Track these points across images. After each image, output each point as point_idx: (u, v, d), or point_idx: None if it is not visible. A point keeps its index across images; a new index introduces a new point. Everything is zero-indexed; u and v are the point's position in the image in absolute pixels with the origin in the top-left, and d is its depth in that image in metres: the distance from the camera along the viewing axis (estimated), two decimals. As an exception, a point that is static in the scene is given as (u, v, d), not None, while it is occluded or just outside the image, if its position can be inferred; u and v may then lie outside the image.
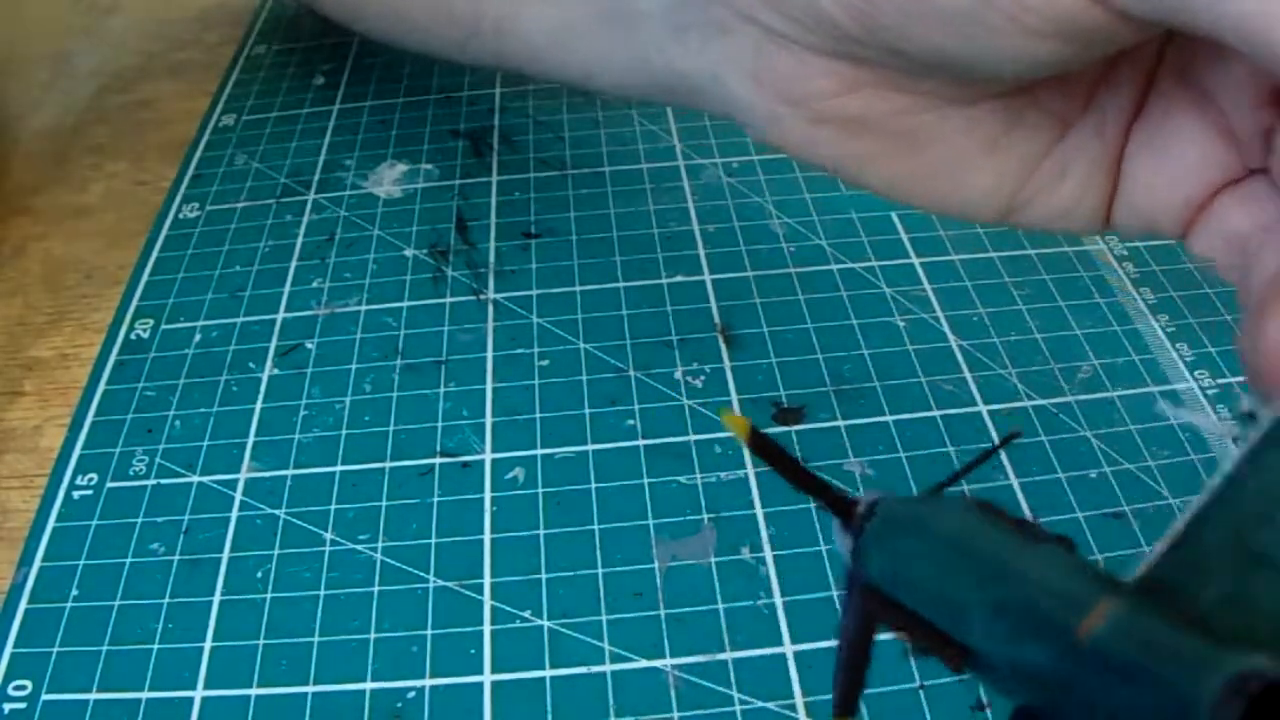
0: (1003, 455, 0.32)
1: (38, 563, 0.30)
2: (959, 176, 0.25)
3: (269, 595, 0.29)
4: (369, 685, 0.27)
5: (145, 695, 0.27)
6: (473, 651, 0.28)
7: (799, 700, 0.26)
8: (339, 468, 0.33)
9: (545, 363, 0.35)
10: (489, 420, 0.34)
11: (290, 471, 0.33)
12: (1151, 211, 0.24)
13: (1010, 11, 0.20)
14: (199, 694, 0.27)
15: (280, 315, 0.38)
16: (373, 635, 0.28)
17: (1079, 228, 0.25)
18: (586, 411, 0.34)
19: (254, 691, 0.27)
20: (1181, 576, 0.15)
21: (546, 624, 0.28)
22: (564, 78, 0.32)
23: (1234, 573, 0.15)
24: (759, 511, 0.31)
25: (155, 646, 0.28)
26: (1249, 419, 0.17)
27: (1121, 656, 0.13)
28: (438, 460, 0.33)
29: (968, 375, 0.34)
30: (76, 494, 0.32)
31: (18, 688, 0.27)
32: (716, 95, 0.26)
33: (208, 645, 0.28)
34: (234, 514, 0.31)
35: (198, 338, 0.37)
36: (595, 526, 0.31)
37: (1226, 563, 0.15)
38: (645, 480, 0.31)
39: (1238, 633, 0.14)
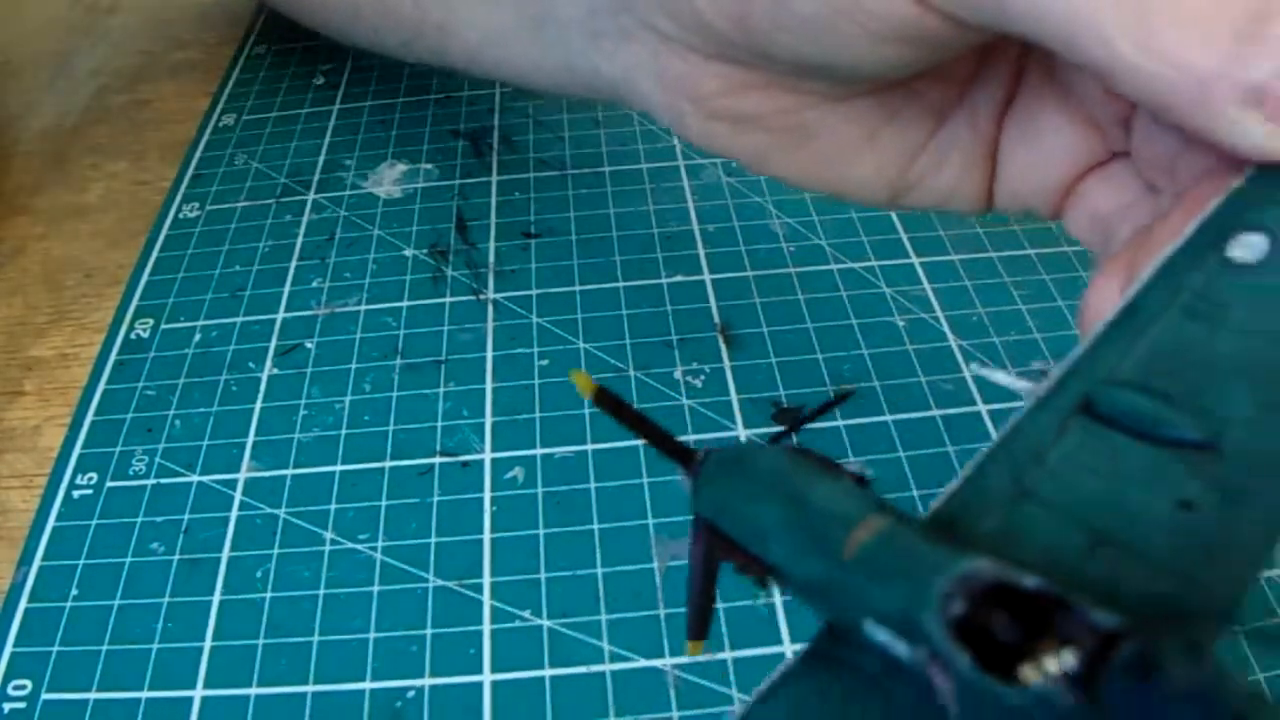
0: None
1: (37, 562, 0.30)
2: (845, 166, 0.27)
3: (269, 595, 0.29)
4: (368, 685, 0.27)
5: (145, 695, 0.27)
6: (472, 651, 0.28)
7: (798, 700, 0.26)
8: (339, 467, 0.33)
9: (545, 362, 0.35)
10: (489, 420, 0.34)
11: (290, 471, 0.33)
12: (1026, 195, 0.26)
13: (858, 20, 0.22)
14: (199, 693, 0.27)
15: (280, 315, 0.38)
16: (372, 635, 0.28)
17: (964, 209, 0.27)
18: (586, 411, 0.34)
19: (254, 691, 0.27)
20: (965, 512, 0.17)
21: (546, 623, 0.28)
22: (500, 77, 0.35)
23: (1008, 507, 0.17)
24: (759, 511, 0.31)
25: (155, 646, 0.28)
26: (1042, 375, 0.21)
27: (877, 564, 0.15)
28: (437, 460, 0.33)
29: (967, 375, 0.34)
30: (76, 493, 0.32)
31: (18, 687, 0.27)
32: (630, 94, 0.29)
33: (207, 645, 0.28)
34: (234, 514, 0.31)
35: (198, 337, 0.37)
36: (595, 526, 0.31)
37: (1003, 499, 0.17)
38: (645, 480, 0.31)
39: (1008, 555, 0.15)
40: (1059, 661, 0.13)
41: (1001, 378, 0.23)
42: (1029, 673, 0.13)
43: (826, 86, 0.25)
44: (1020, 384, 0.21)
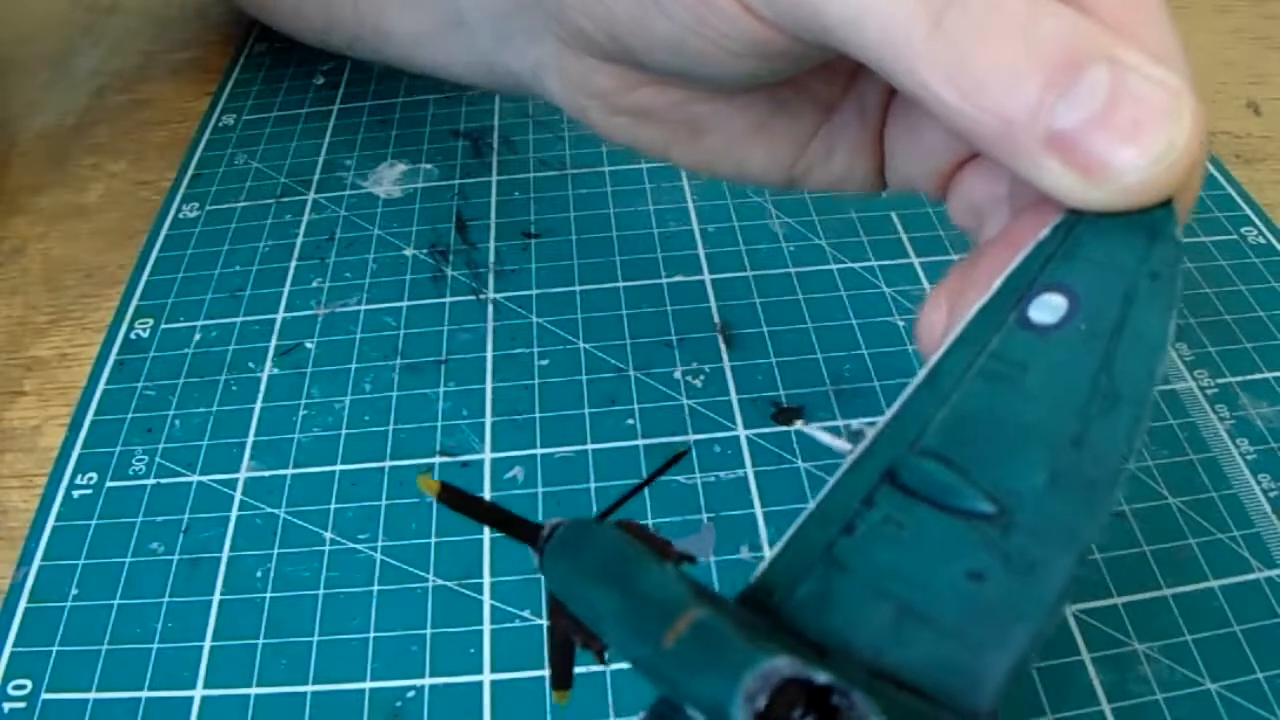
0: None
1: (37, 562, 0.30)
2: (739, 155, 0.29)
3: (268, 595, 0.29)
4: (368, 684, 0.27)
5: (145, 694, 0.27)
6: (472, 651, 0.28)
7: (798, 699, 0.26)
8: (338, 467, 0.33)
9: (545, 362, 0.35)
10: (489, 420, 0.34)
11: (290, 471, 0.33)
12: (912, 180, 0.27)
13: (710, 38, 0.23)
14: (199, 693, 0.27)
15: (280, 315, 0.38)
16: (372, 634, 0.28)
17: (858, 190, 0.29)
18: (586, 411, 0.34)
19: (253, 691, 0.27)
20: (782, 580, 0.19)
21: (546, 623, 0.28)
22: (431, 74, 0.37)
23: (821, 576, 0.18)
24: (759, 511, 0.31)
25: (155, 646, 0.28)
26: (860, 437, 0.20)
27: (692, 656, 0.17)
28: (437, 460, 0.33)
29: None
30: (76, 493, 0.32)
31: (17, 687, 0.28)
32: (539, 89, 0.31)
33: (207, 645, 0.28)
34: (233, 513, 0.31)
35: (197, 337, 0.37)
36: (595, 526, 0.30)
37: (817, 568, 0.18)
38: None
39: (817, 624, 0.17)
40: None
41: (823, 437, 0.22)
42: None
43: (710, 86, 0.27)
44: (839, 444, 0.21)
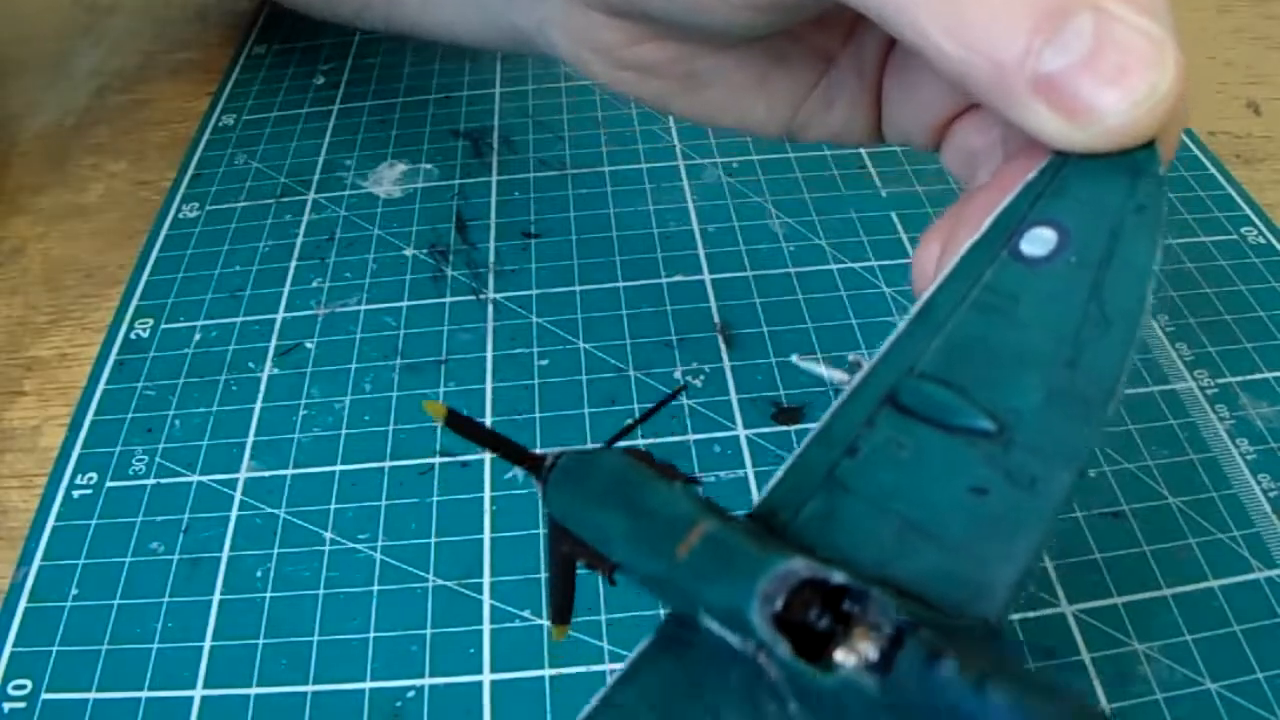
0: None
1: (37, 562, 0.30)
2: (740, 107, 0.29)
3: (268, 595, 0.29)
4: (368, 684, 0.27)
5: (145, 694, 0.27)
6: (472, 651, 0.28)
7: (798, 699, 0.26)
8: (338, 467, 0.33)
9: (545, 362, 0.35)
10: (489, 420, 0.34)
11: (290, 471, 0.33)
12: (908, 132, 0.28)
13: None
14: (198, 693, 0.27)
15: (280, 315, 0.38)
16: (372, 634, 0.28)
17: (855, 142, 0.30)
18: (586, 411, 0.34)
19: (253, 691, 0.27)
20: (786, 502, 0.19)
21: (546, 623, 0.28)
22: (437, 38, 0.38)
23: (824, 497, 0.19)
24: (758, 511, 0.31)
25: (155, 646, 0.28)
26: (855, 368, 0.22)
27: (706, 565, 0.17)
28: (437, 460, 0.33)
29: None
30: (76, 493, 0.32)
31: (17, 687, 0.28)
32: (544, 45, 0.31)
33: (207, 645, 0.28)
34: (233, 513, 0.31)
35: (197, 337, 0.37)
36: (595, 526, 0.31)
37: (820, 490, 0.19)
38: (645, 480, 0.31)
39: (822, 542, 0.18)
40: (862, 651, 0.15)
41: (818, 369, 0.25)
42: (841, 655, 0.15)
43: (711, 38, 0.28)
44: (836, 375, 0.23)
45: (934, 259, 0.23)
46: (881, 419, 0.19)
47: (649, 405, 0.34)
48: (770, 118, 0.29)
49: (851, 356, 0.28)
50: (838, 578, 0.16)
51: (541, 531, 0.30)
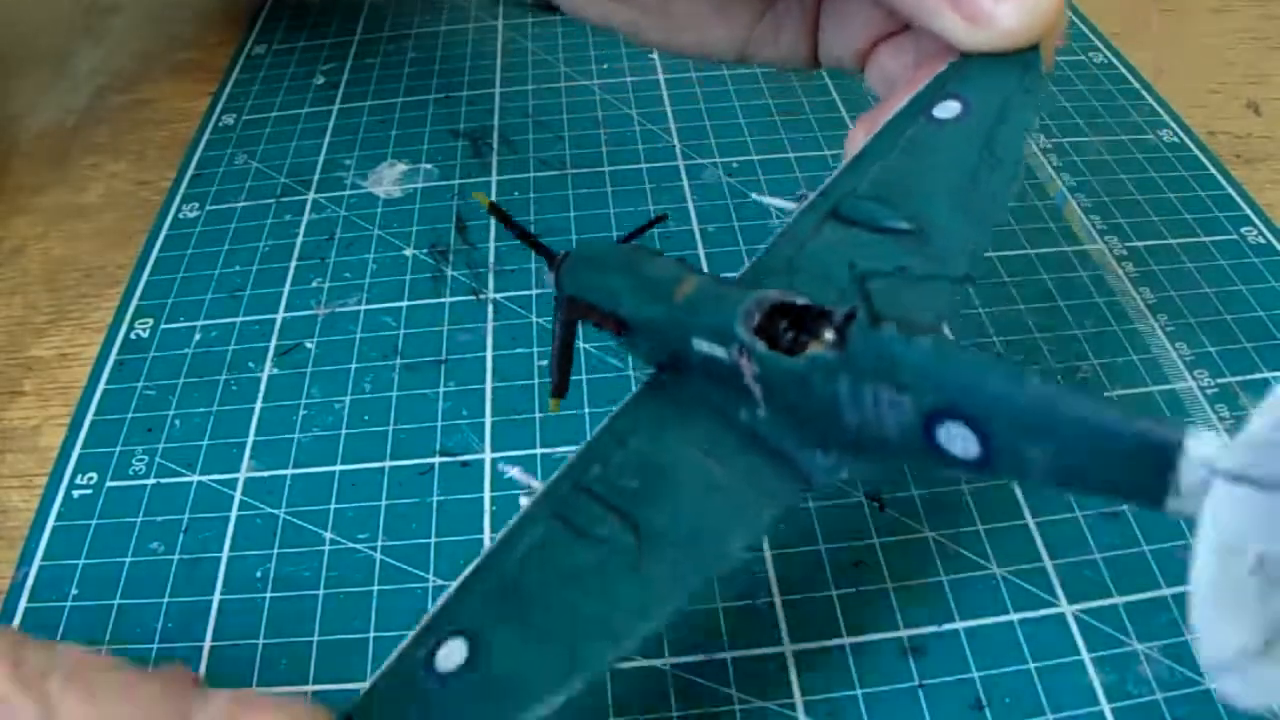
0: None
1: (37, 561, 0.30)
2: (702, 32, 0.35)
3: (268, 595, 0.29)
4: (368, 685, 0.27)
5: (145, 694, 0.27)
6: (472, 651, 0.28)
7: (798, 699, 0.26)
8: (338, 467, 0.33)
9: (545, 362, 0.35)
10: (488, 420, 0.34)
11: (289, 471, 0.33)
12: (840, 57, 0.33)
13: None
14: (198, 693, 0.27)
15: (280, 315, 0.38)
16: (372, 634, 0.28)
17: (796, 67, 0.35)
18: (586, 411, 0.34)
19: (254, 691, 0.27)
20: (754, 279, 0.24)
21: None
22: None
23: (785, 275, 0.24)
24: (758, 511, 0.31)
25: (155, 646, 0.28)
26: (804, 199, 0.28)
27: (699, 302, 0.23)
28: (437, 460, 0.33)
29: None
30: (76, 493, 0.32)
31: (17, 687, 0.27)
32: None
33: (207, 645, 0.28)
34: (233, 513, 0.31)
35: (197, 337, 0.37)
36: (595, 526, 0.30)
37: (781, 271, 0.25)
38: (645, 480, 0.31)
39: (810, 276, 0.23)
40: (824, 337, 0.21)
41: (778, 201, 0.33)
42: (807, 349, 0.21)
43: None
44: (788, 205, 0.31)
45: (862, 139, 0.28)
46: (828, 226, 0.25)
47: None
48: (728, 42, 0.34)
49: (800, 192, 0.33)
50: (801, 300, 0.22)
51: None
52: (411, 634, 0.21)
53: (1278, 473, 0.15)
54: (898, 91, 0.28)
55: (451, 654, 0.20)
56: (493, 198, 0.43)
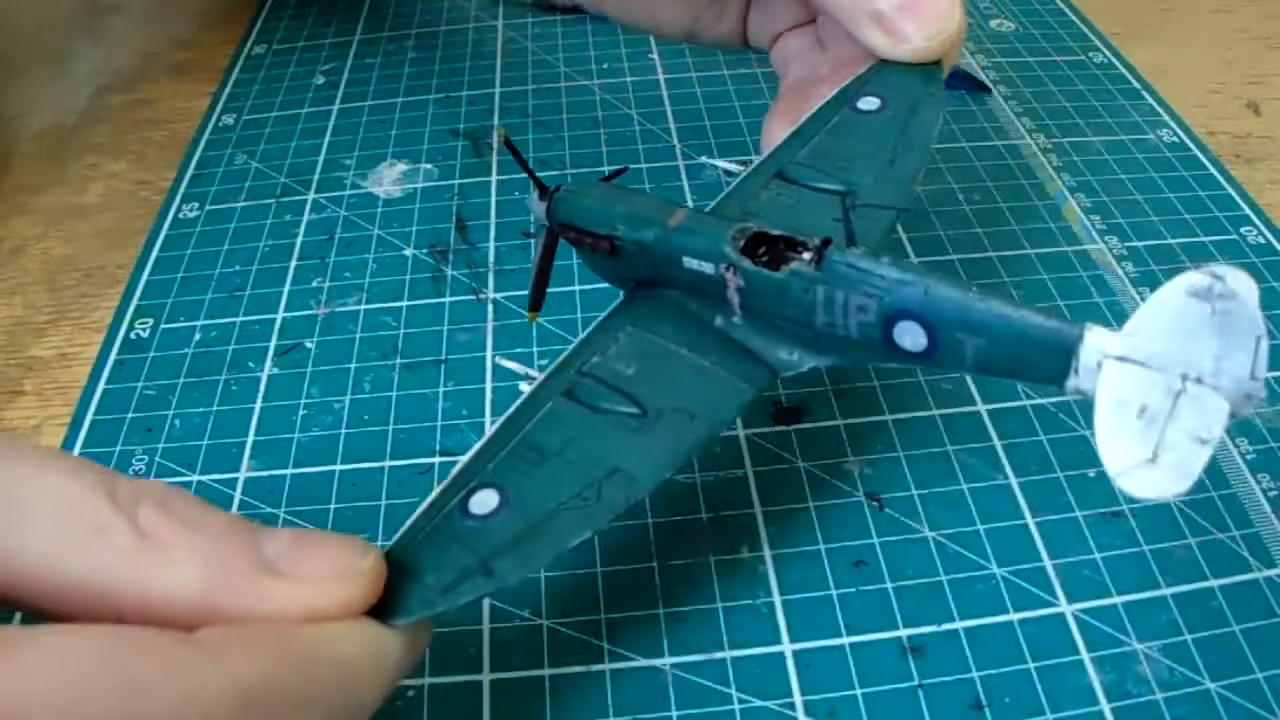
0: (1003, 455, 0.32)
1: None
2: (655, 11, 0.40)
3: (268, 594, 0.29)
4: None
5: (144, 694, 0.27)
6: (472, 650, 0.28)
7: (798, 699, 0.26)
8: (338, 467, 0.33)
9: (545, 362, 0.35)
10: (488, 419, 0.34)
11: (289, 471, 0.33)
12: (760, 39, 0.40)
13: None
14: (198, 693, 0.27)
15: (279, 315, 0.38)
16: (372, 634, 0.28)
17: (731, 46, 0.41)
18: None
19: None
20: (730, 206, 0.30)
21: (545, 623, 0.28)
22: None
23: (760, 194, 0.30)
24: (758, 511, 0.31)
25: (155, 645, 0.28)
26: (749, 164, 0.33)
27: (691, 228, 0.28)
28: (437, 460, 0.33)
29: (967, 374, 0.34)
30: (76, 493, 0.32)
31: (17, 687, 0.27)
32: None
33: (207, 644, 0.28)
34: (233, 513, 0.31)
35: (197, 337, 0.37)
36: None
37: (758, 195, 0.30)
38: (645, 479, 0.31)
39: (764, 220, 0.28)
40: (803, 257, 0.26)
41: (724, 164, 0.34)
42: (790, 265, 0.26)
43: None
44: (734, 167, 0.33)
45: (779, 132, 0.33)
46: (772, 185, 0.31)
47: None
48: (677, 21, 0.40)
49: (745, 158, 0.35)
50: (776, 230, 0.27)
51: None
52: (431, 495, 0.24)
53: (1147, 355, 0.22)
54: (820, 88, 0.34)
55: (484, 500, 0.24)
56: (493, 198, 0.43)
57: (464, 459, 0.25)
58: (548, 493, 0.24)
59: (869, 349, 0.26)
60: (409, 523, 0.24)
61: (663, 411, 0.26)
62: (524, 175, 0.31)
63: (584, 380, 0.27)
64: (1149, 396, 0.21)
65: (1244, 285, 0.22)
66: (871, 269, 0.25)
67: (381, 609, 0.21)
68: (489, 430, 0.26)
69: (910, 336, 0.25)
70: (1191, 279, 0.22)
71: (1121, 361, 0.22)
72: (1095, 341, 0.22)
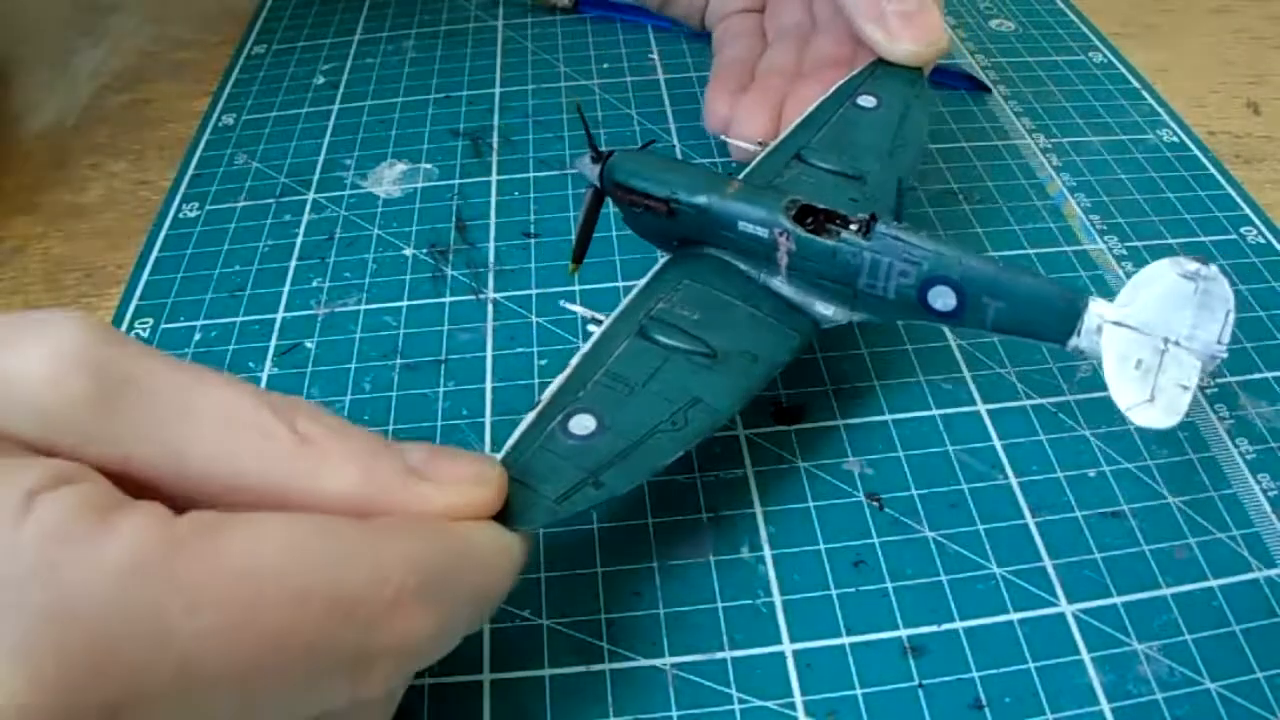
0: (1003, 456, 0.32)
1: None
2: None
3: (268, 594, 0.29)
4: (510, 444, 0.27)
5: (144, 694, 0.27)
6: (472, 650, 0.28)
7: (798, 699, 0.26)
8: (338, 467, 0.32)
9: (544, 362, 0.35)
10: (488, 419, 0.34)
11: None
12: (712, 19, 0.47)
13: None
14: (198, 693, 0.27)
15: (280, 314, 0.38)
16: (372, 634, 0.28)
17: (694, 25, 0.49)
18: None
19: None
20: (758, 180, 0.34)
21: (546, 623, 0.28)
22: None
23: (784, 173, 0.35)
24: (758, 510, 0.31)
25: (155, 645, 0.28)
26: (765, 145, 0.37)
27: (747, 196, 0.32)
28: (437, 459, 0.33)
29: (966, 374, 0.34)
30: (76, 493, 0.32)
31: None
32: None
33: (207, 644, 0.28)
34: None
35: (197, 337, 0.37)
36: (594, 525, 0.31)
37: (781, 173, 0.35)
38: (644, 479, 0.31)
39: (791, 190, 0.32)
40: (851, 228, 0.30)
41: (741, 143, 0.39)
42: (841, 235, 0.30)
43: None
44: (752, 148, 0.38)
45: (725, 107, 0.41)
46: (792, 166, 0.35)
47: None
48: None
49: (760, 140, 0.38)
50: (822, 205, 0.31)
51: (541, 532, 0.30)
52: (527, 419, 0.27)
53: (1139, 322, 0.27)
54: (814, 80, 0.40)
55: (583, 423, 0.27)
56: (493, 198, 0.43)
57: (552, 388, 0.28)
58: (641, 418, 0.27)
59: (902, 307, 0.30)
60: (511, 442, 0.27)
61: (729, 353, 0.30)
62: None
63: (654, 323, 0.30)
64: (1142, 353, 0.27)
65: (1217, 271, 0.27)
66: (913, 240, 0.29)
67: (503, 517, 0.24)
68: (572, 362, 0.29)
69: (942, 299, 0.29)
70: (1182, 263, 0.27)
71: (1118, 326, 0.27)
72: (1096, 309, 0.28)
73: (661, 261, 0.33)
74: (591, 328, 0.31)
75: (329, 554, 0.20)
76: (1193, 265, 0.27)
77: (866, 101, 0.37)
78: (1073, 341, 0.28)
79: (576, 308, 0.33)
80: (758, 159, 0.36)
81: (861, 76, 0.38)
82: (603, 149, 0.35)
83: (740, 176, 0.34)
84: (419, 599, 0.21)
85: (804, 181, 0.34)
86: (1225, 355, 0.27)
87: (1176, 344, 0.27)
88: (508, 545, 0.24)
